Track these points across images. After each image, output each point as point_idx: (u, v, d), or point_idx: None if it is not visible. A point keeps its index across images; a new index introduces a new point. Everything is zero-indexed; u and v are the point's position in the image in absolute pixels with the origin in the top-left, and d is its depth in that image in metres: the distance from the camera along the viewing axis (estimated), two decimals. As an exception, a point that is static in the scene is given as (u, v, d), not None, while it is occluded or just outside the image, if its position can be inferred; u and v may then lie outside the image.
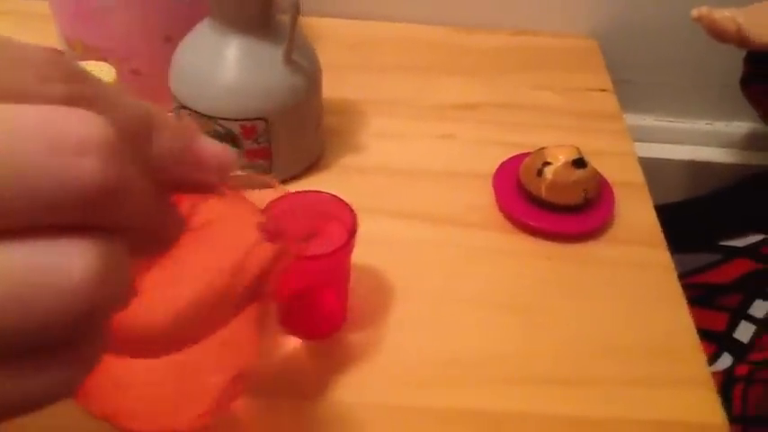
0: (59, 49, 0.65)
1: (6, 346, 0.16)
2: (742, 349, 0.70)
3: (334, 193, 0.47)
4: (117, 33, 0.63)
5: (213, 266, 0.34)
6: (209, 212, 0.31)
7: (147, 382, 0.37)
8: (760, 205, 0.80)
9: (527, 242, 0.59)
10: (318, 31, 0.80)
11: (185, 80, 0.57)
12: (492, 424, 0.46)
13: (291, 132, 0.59)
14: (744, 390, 0.63)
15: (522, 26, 0.86)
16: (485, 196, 0.62)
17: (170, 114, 0.22)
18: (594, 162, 0.60)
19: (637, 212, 0.62)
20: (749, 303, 0.73)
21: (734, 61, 0.68)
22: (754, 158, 0.92)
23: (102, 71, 0.52)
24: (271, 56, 0.56)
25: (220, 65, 0.55)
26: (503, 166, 0.63)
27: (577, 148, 0.59)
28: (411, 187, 0.63)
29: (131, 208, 0.18)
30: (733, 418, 0.60)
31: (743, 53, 0.67)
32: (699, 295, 0.74)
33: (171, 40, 0.60)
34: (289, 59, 0.56)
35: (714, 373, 0.65)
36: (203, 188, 0.24)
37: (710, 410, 0.48)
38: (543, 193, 0.58)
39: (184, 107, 0.57)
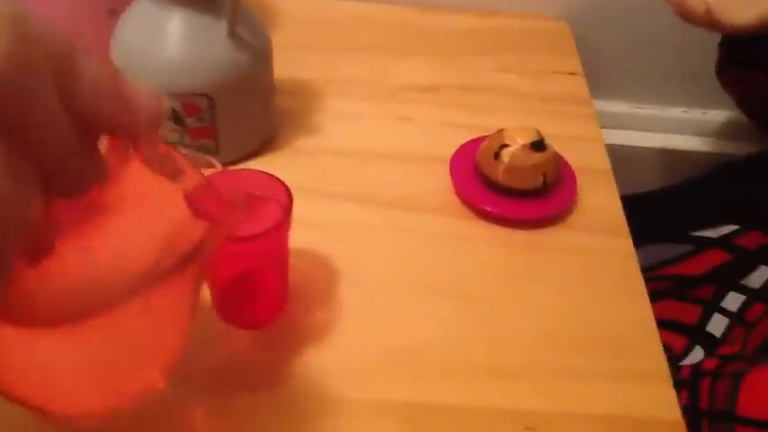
0: None
1: None
2: (713, 343, 0.68)
3: (285, 174, 0.45)
4: (61, 6, 0.61)
5: (139, 238, 0.33)
6: (139, 184, 0.30)
7: (68, 364, 0.34)
8: (734, 195, 0.78)
9: (484, 228, 0.57)
10: (275, 10, 0.77)
11: (126, 54, 0.55)
12: (431, 416, 0.44)
13: (237, 111, 0.56)
14: (711, 384, 0.61)
15: (490, 7, 0.83)
16: (442, 181, 0.60)
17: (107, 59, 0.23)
18: (559, 147, 0.58)
19: (600, 200, 0.60)
20: (722, 296, 0.71)
21: (712, 47, 0.66)
22: (730, 147, 0.90)
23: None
24: (214, 30, 0.53)
25: (161, 39, 0.53)
26: (461, 149, 0.61)
27: (537, 131, 0.56)
28: (366, 170, 0.61)
29: (41, 118, 0.19)
30: (700, 413, 0.58)
31: (720, 38, 0.64)
32: (671, 287, 0.72)
33: (115, 14, 0.58)
34: (232, 33, 0.53)
35: (684, 367, 0.63)
36: (132, 132, 0.24)
37: (666, 406, 0.46)
38: (500, 177, 0.56)
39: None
